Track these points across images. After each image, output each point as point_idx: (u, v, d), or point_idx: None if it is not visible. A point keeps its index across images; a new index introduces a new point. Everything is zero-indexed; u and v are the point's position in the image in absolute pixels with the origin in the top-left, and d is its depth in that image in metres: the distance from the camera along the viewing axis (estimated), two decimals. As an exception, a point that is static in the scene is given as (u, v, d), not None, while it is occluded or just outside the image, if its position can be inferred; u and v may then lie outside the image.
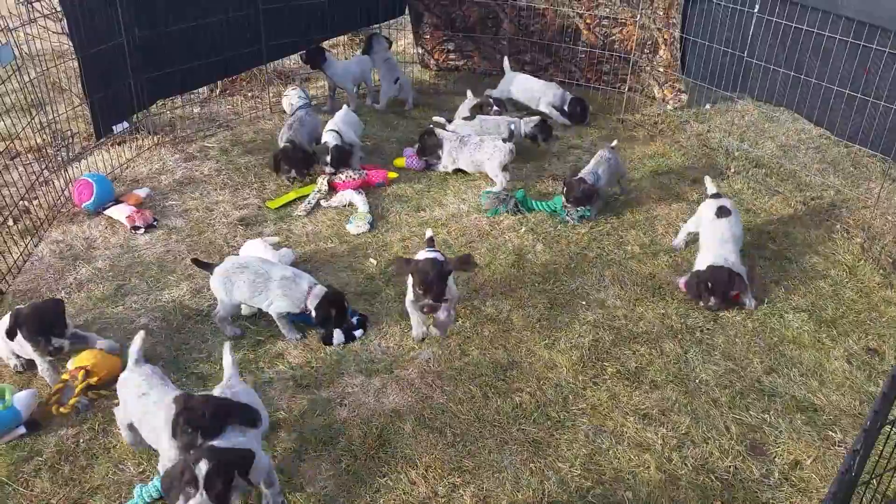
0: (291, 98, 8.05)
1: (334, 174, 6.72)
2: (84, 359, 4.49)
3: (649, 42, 8.15)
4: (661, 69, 8.22)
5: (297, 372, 4.72)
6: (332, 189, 6.70)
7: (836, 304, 5.39)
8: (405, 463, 4.08)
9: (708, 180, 6.08)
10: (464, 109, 7.84)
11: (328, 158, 6.68)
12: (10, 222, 6.05)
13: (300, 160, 6.77)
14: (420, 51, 9.64)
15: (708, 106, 8.45)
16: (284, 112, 8.08)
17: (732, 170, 7.15)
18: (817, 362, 4.85)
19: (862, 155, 7.37)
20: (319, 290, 4.83)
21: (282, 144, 6.93)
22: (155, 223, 6.20)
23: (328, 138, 6.80)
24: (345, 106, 7.42)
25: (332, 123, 7.04)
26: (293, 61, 9.52)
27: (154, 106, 7.69)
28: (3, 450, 4.13)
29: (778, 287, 5.57)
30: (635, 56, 8.18)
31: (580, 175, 6.27)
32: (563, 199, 6.28)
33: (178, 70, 7.33)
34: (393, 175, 7.04)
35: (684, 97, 8.39)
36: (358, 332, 5.01)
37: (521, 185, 6.85)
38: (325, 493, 3.90)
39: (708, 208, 5.69)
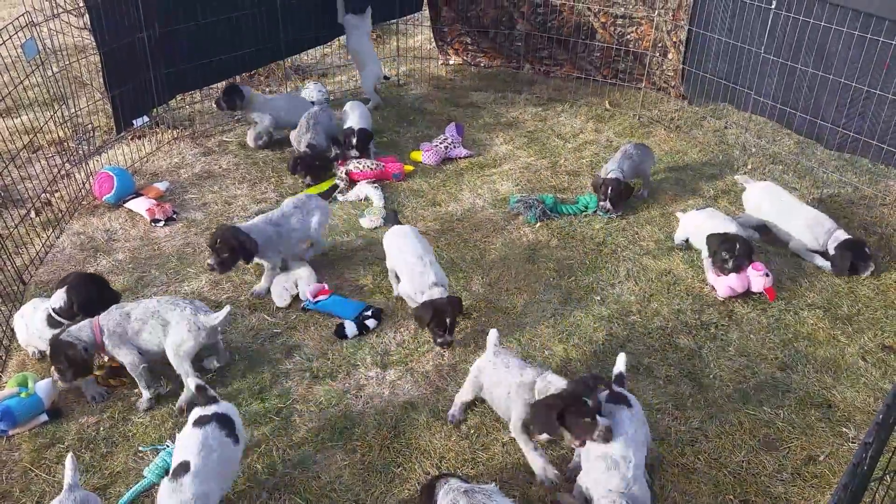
0: (311, 92, 8.10)
1: (358, 157, 6.84)
2: None
3: (660, 44, 8.12)
4: (672, 72, 8.20)
5: (313, 363, 4.78)
6: (350, 180, 6.77)
7: (851, 301, 5.37)
8: (419, 454, 4.13)
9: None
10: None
11: (353, 141, 6.82)
12: (33, 214, 6.16)
13: (317, 167, 6.80)
14: (439, 43, 9.64)
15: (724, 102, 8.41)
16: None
17: (749, 166, 7.12)
18: (832, 359, 4.84)
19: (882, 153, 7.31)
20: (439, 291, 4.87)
21: (301, 147, 6.91)
22: (175, 216, 6.28)
23: (351, 123, 6.96)
24: (356, 102, 7.47)
25: (352, 118, 7.12)
26: (311, 56, 9.60)
27: (173, 100, 7.77)
28: (26, 437, 4.22)
29: (794, 283, 5.55)
30: (650, 55, 8.15)
31: (610, 173, 6.30)
32: (600, 197, 6.31)
33: (197, 65, 7.41)
34: (409, 168, 7.08)
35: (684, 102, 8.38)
36: (371, 323, 5.07)
37: (535, 180, 6.88)
38: (340, 482, 3.96)
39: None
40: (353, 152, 6.88)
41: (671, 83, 8.31)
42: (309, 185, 6.80)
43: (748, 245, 5.35)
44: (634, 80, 8.56)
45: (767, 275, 5.30)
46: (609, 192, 6.20)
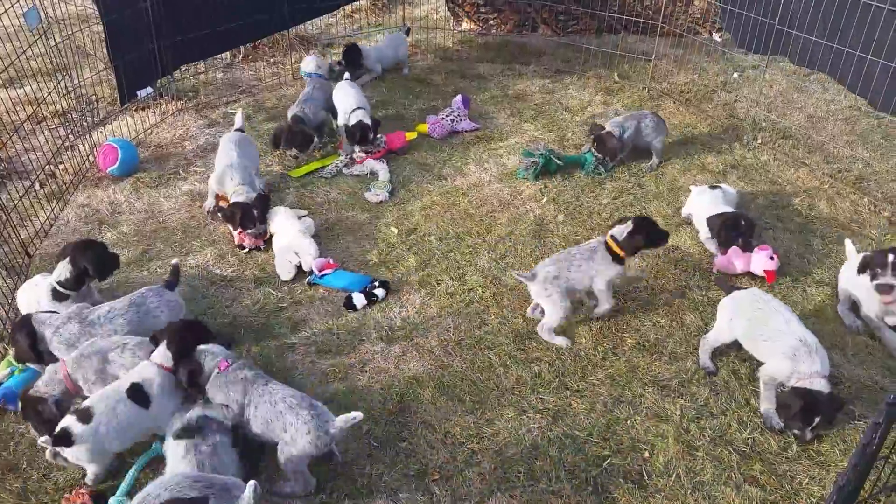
0: (309, 66, 7.94)
1: (370, 151, 6.61)
2: None
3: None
4: (698, 16, 7.97)
5: (319, 338, 4.77)
6: (355, 161, 6.68)
7: (860, 279, 5.33)
8: (425, 429, 4.14)
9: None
10: None
11: (372, 136, 6.53)
12: (37, 186, 6.14)
13: (301, 139, 6.59)
14: (450, 5, 9.47)
15: (736, 75, 8.30)
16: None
17: (759, 141, 7.04)
18: (840, 336, 4.81)
19: (893, 127, 7.22)
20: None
21: (289, 115, 6.82)
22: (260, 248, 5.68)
23: (360, 116, 6.56)
24: (347, 84, 7.10)
25: (354, 101, 6.78)
26: (315, 26, 9.48)
27: (177, 71, 7.70)
28: (34, 409, 4.23)
29: (802, 260, 5.51)
30: (667, 11, 7.88)
31: (607, 125, 6.54)
32: (593, 151, 6.54)
33: (201, 35, 7.30)
34: (411, 135, 7.02)
35: (726, 35, 8.12)
36: (379, 292, 5.07)
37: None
38: (345, 456, 3.97)
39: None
40: (361, 148, 6.59)
41: (699, 23, 8.05)
42: (297, 158, 6.68)
43: (751, 223, 5.38)
44: (651, 28, 8.30)
45: (772, 258, 5.24)
46: (595, 143, 6.50)
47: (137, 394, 3.77)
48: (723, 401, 4.32)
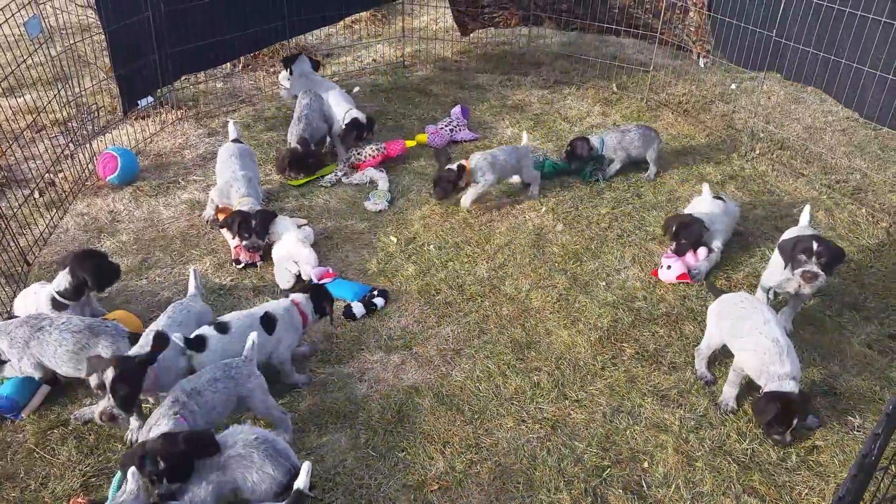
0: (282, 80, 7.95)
1: (359, 150, 6.68)
2: (113, 314, 4.70)
3: (679, 3, 7.90)
4: (693, 28, 8.02)
5: (318, 347, 4.77)
6: (355, 169, 6.70)
7: (859, 289, 5.34)
8: (423, 439, 4.13)
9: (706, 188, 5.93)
10: None
11: (366, 133, 6.71)
12: (37, 195, 6.14)
13: (309, 164, 6.59)
14: (454, 11, 9.47)
15: (734, 86, 8.33)
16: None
17: (757, 151, 7.06)
18: (838, 347, 4.81)
19: (890, 138, 7.25)
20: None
21: (292, 141, 6.69)
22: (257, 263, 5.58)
23: (355, 115, 6.70)
24: (336, 87, 7.21)
25: (345, 103, 6.88)
26: (315, 37, 9.51)
27: (177, 81, 7.71)
28: (32, 419, 4.22)
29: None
30: (666, 16, 7.92)
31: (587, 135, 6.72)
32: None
33: (202, 45, 7.33)
34: (411, 143, 7.04)
35: (708, 59, 8.15)
36: (378, 301, 5.08)
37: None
38: (344, 466, 3.96)
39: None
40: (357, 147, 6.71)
41: (692, 38, 8.10)
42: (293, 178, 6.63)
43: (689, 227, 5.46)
44: (651, 33, 8.29)
45: (670, 267, 5.38)
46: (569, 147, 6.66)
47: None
48: (722, 411, 4.31)
